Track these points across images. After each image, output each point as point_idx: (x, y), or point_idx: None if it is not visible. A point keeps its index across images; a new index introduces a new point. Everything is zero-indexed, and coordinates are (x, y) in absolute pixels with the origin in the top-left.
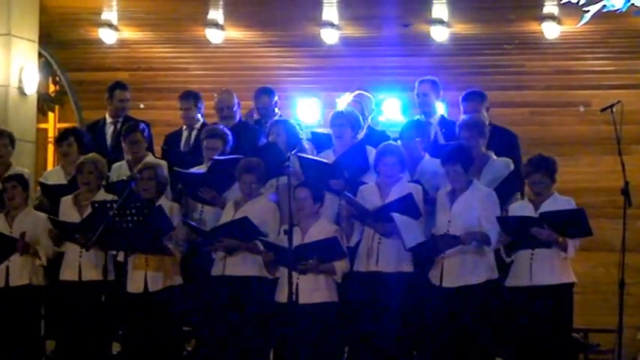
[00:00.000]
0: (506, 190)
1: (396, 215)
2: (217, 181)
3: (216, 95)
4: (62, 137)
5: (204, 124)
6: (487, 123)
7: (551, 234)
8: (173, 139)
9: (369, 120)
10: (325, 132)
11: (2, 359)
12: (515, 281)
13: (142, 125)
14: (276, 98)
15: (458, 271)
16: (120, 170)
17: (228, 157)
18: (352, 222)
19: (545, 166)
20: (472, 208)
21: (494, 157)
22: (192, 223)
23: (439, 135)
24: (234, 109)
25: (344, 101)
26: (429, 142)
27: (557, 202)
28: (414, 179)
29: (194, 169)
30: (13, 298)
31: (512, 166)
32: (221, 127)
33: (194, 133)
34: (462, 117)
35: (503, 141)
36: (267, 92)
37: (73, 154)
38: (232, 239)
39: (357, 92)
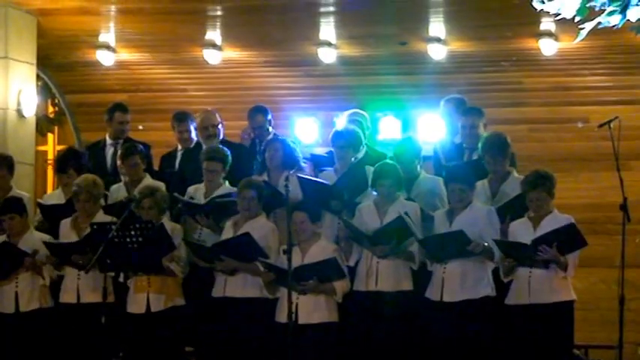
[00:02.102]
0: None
1: (405, 216)
2: (216, 210)
3: (197, 115)
4: (62, 169)
5: (197, 144)
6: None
7: (556, 254)
8: (168, 160)
9: (366, 139)
10: (324, 152)
11: None
12: (514, 300)
13: (141, 147)
14: (269, 117)
15: (459, 285)
16: (118, 192)
17: (227, 199)
18: (351, 242)
19: (543, 183)
20: (473, 226)
21: (516, 174)
22: (192, 241)
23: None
24: (218, 127)
25: (342, 121)
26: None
27: (556, 221)
28: (410, 197)
29: (195, 189)
30: (25, 323)
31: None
32: (221, 147)
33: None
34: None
35: None
36: (262, 111)
37: (73, 180)
38: (232, 260)
39: (353, 111)
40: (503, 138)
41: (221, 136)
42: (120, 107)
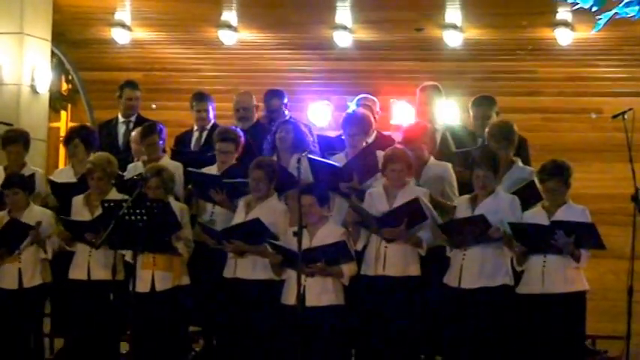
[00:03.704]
0: (525, 198)
1: (421, 199)
2: (230, 186)
3: (234, 96)
4: (68, 139)
5: (214, 125)
6: None
7: (570, 243)
8: (183, 139)
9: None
10: (334, 135)
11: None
12: (527, 288)
13: (160, 126)
14: (285, 100)
15: (478, 272)
16: (135, 171)
17: (240, 180)
18: (358, 227)
19: (560, 172)
20: (495, 214)
21: (520, 163)
22: (204, 224)
23: (449, 140)
24: (251, 110)
25: (352, 106)
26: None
27: (571, 211)
28: (418, 183)
29: (207, 170)
30: (29, 299)
31: (534, 176)
32: (233, 128)
33: (205, 133)
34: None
35: None
36: (278, 94)
37: (80, 155)
38: (241, 242)
39: (362, 96)
40: (510, 125)
41: (254, 119)
42: (129, 84)
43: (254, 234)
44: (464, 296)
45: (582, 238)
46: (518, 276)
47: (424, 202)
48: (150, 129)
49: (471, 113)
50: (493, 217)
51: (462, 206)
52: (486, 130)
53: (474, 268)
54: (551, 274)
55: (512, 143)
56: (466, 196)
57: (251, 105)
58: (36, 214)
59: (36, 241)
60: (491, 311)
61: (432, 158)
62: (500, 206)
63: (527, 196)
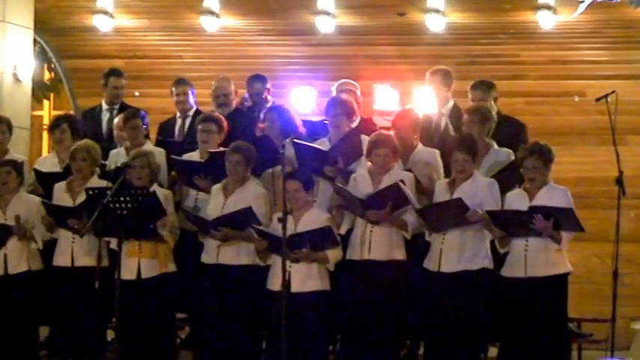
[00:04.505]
0: (506, 180)
1: (401, 183)
2: (214, 170)
3: (213, 82)
4: (55, 124)
5: (197, 112)
6: (494, 113)
7: (548, 226)
8: (167, 127)
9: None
10: (318, 120)
11: None
12: (510, 272)
13: (142, 112)
14: (268, 85)
15: (457, 256)
16: (117, 157)
17: (222, 150)
18: (342, 211)
19: (539, 151)
20: (473, 198)
21: (496, 146)
22: (190, 211)
23: (449, 125)
24: (231, 96)
25: (333, 91)
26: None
27: (552, 192)
28: (406, 168)
29: (190, 156)
30: (13, 285)
31: (512, 157)
32: (216, 113)
33: (188, 120)
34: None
35: (510, 130)
36: (260, 79)
37: (67, 141)
38: (229, 229)
39: (343, 81)
40: (487, 109)
41: (233, 106)
42: (115, 72)
43: (241, 221)
44: (444, 280)
45: (561, 221)
46: (498, 258)
47: (403, 187)
48: (132, 114)
49: (469, 97)
50: (471, 201)
51: (440, 190)
52: (464, 111)
53: (454, 252)
54: (534, 258)
55: (484, 125)
56: (444, 180)
57: (230, 91)
58: (25, 201)
59: (22, 234)
60: (472, 294)
61: (420, 144)
62: (478, 189)
63: (508, 178)
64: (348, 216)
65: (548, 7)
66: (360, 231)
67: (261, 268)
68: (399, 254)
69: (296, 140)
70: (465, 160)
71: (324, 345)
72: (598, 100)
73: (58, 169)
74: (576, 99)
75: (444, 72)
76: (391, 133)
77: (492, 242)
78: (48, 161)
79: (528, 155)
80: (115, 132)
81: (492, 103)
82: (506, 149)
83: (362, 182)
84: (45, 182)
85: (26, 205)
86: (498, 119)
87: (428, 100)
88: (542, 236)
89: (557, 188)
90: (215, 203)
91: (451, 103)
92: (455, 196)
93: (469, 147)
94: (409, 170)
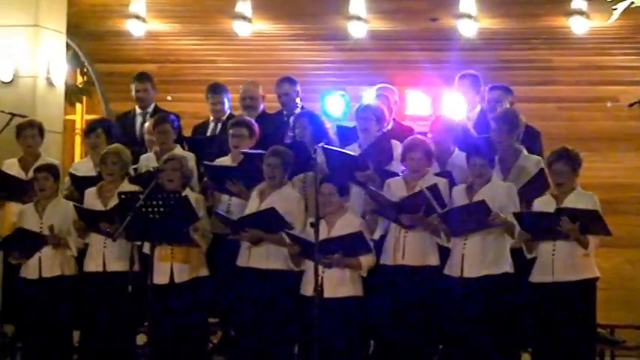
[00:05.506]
0: (535, 188)
1: (425, 190)
2: (246, 175)
3: (241, 86)
4: (90, 129)
5: (230, 116)
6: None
7: (575, 229)
8: (200, 130)
9: (394, 113)
10: (351, 125)
11: (32, 350)
12: (538, 277)
13: (172, 117)
14: (298, 88)
15: (480, 261)
16: (148, 161)
17: (257, 151)
18: (376, 216)
19: (567, 156)
20: (492, 201)
21: (525, 152)
22: (221, 213)
23: (471, 130)
24: (258, 100)
25: (369, 95)
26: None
27: (580, 197)
28: (445, 170)
29: (222, 161)
30: (46, 289)
31: (542, 164)
32: (248, 118)
33: (220, 124)
34: (499, 110)
35: (524, 137)
36: (289, 80)
37: (102, 146)
38: (258, 230)
39: (381, 85)
40: (515, 113)
41: (260, 110)
42: (136, 76)
43: (270, 223)
44: (467, 285)
45: (588, 224)
46: (524, 263)
47: (428, 194)
48: (162, 118)
49: (486, 97)
50: (491, 205)
51: (459, 195)
52: (491, 118)
53: (476, 257)
54: (561, 262)
55: (513, 130)
56: (462, 186)
57: (257, 95)
58: (62, 207)
59: (56, 243)
60: (495, 299)
61: (456, 149)
62: (497, 194)
63: (537, 185)
64: (381, 222)
65: (580, 13)
66: (393, 236)
67: (293, 273)
68: (433, 259)
69: (326, 146)
70: (482, 164)
71: (357, 351)
72: (631, 105)
73: (93, 173)
74: (609, 105)
75: (473, 76)
76: (427, 137)
77: (516, 249)
78: (83, 166)
79: (556, 160)
80: (145, 136)
81: (508, 106)
82: (536, 156)
83: (396, 187)
84: (81, 186)
85: (63, 211)
86: None
87: (456, 105)
88: (569, 240)
89: (585, 194)
90: (251, 207)
91: (478, 108)
92: (475, 200)
93: (487, 151)
94: (446, 174)
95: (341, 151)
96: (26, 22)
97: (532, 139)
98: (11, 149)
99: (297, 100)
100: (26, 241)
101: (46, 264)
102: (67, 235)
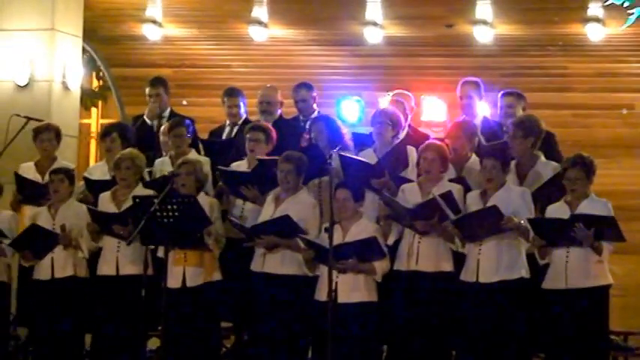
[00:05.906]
0: (551, 191)
1: (437, 198)
2: (260, 180)
3: (259, 91)
4: (106, 133)
5: (246, 120)
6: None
7: (589, 235)
8: (216, 134)
9: (410, 119)
10: (366, 131)
11: (44, 352)
12: (551, 284)
13: (188, 121)
14: (314, 94)
15: (495, 267)
16: (162, 165)
17: (272, 157)
18: (390, 221)
19: (582, 162)
20: (506, 207)
21: (543, 159)
22: (236, 220)
23: (479, 136)
24: (275, 105)
25: (386, 101)
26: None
27: (593, 204)
28: (461, 175)
29: (237, 165)
30: (59, 289)
31: (559, 170)
32: (264, 123)
33: (236, 128)
34: (518, 115)
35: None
36: (306, 86)
37: (117, 150)
38: (273, 236)
39: (397, 91)
40: (531, 118)
41: (277, 114)
42: (149, 82)
43: (284, 230)
44: (482, 291)
45: (602, 230)
46: (536, 269)
47: (440, 201)
48: (177, 122)
49: (498, 104)
50: (504, 210)
51: (472, 201)
52: (509, 122)
53: (491, 263)
54: (574, 269)
55: (536, 137)
56: (476, 191)
57: (274, 100)
58: (75, 209)
59: (67, 243)
60: (511, 304)
61: (473, 155)
62: (511, 199)
63: (553, 189)
64: (395, 227)
65: (596, 20)
66: (407, 242)
67: (307, 278)
68: (447, 265)
69: (342, 153)
70: (493, 166)
71: (371, 356)
72: None
73: (107, 177)
74: (624, 112)
75: (475, 83)
76: (444, 143)
77: (530, 255)
78: (98, 169)
79: (570, 166)
80: (161, 138)
81: (520, 112)
82: (554, 163)
83: (410, 193)
84: (95, 190)
85: (75, 213)
86: None
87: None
88: (583, 246)
89: (599, 200)
90: (266, 212)
91: (481, 115)
92: (488, 205)
93: (499, 154)
94: (461, 180)
95: (357, 159)
96: (42, 26)
97: (545, 143)
98: (28, 153)
99: (314, 105)
100: (38, 241)
101: (58, 264)
102: (79, 237)
